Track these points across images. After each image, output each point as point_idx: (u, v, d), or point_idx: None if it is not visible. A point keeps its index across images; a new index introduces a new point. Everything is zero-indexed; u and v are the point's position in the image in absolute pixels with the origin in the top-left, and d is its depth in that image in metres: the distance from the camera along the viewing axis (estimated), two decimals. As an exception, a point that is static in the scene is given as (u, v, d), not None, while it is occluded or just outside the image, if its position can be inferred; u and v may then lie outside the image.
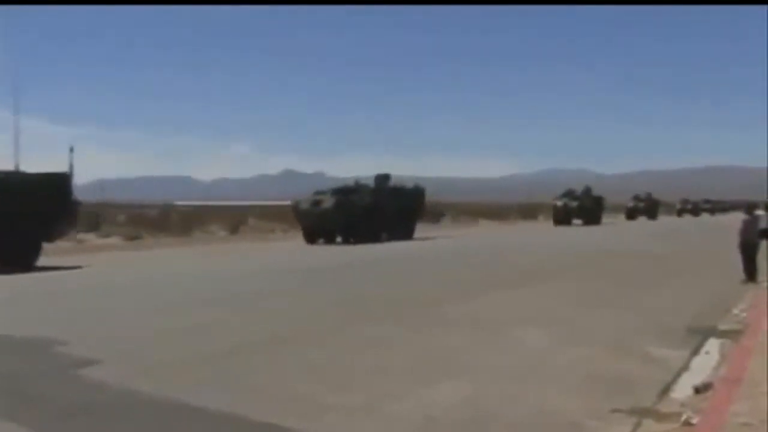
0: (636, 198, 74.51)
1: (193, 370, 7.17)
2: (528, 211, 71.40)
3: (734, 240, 16.24)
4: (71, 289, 14.27)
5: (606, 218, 62.83)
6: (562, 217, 52.56)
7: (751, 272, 15.52)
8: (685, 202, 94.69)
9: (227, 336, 9.01)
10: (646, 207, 71.31)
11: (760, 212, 16.49)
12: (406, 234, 32.56)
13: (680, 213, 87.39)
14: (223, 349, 8.12)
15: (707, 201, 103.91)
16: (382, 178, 34.14)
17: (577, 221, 52.52)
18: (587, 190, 57.03)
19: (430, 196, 40.26)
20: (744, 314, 10.83)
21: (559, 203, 54.64)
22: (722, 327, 9.73)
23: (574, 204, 53.77)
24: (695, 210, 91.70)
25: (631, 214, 69.05)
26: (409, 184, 38.47)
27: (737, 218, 17.70)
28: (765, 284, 14.45)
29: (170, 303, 12.02)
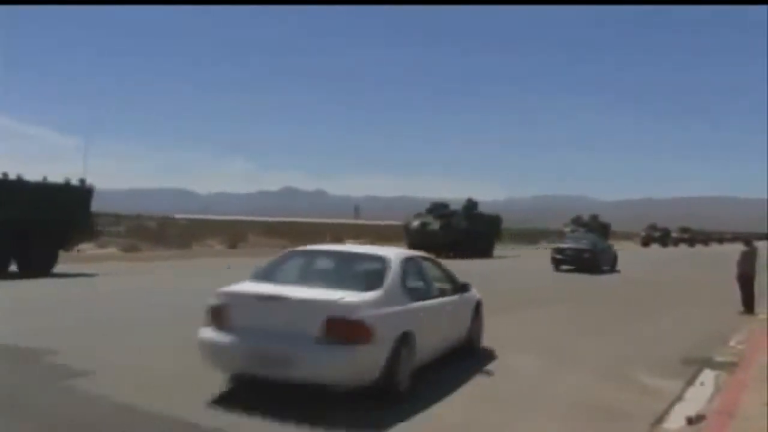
0: (576, 221, 58.16)
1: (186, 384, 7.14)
2: (529, 237, 69.91)
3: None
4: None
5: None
6: (419, 245, 30.23)
7: (748, 304, 15.50)
8: (652, 228, 78.62)
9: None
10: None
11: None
12: (31, 264, 19.36)
13: (646, 243, 72.77)
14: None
15: (685, 229, 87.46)
16: None
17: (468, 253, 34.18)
18: (470, 206, 40.58)
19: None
20: (740, 346, 10.80)
21: (415, 224, 37.63)
22: (718, 359, 9.69)
23: (436, 226, 36.47)
24: (664, 239, 76.20)
25: None
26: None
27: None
28: (762, 316, 14.41)
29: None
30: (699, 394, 7.61)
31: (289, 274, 7.60)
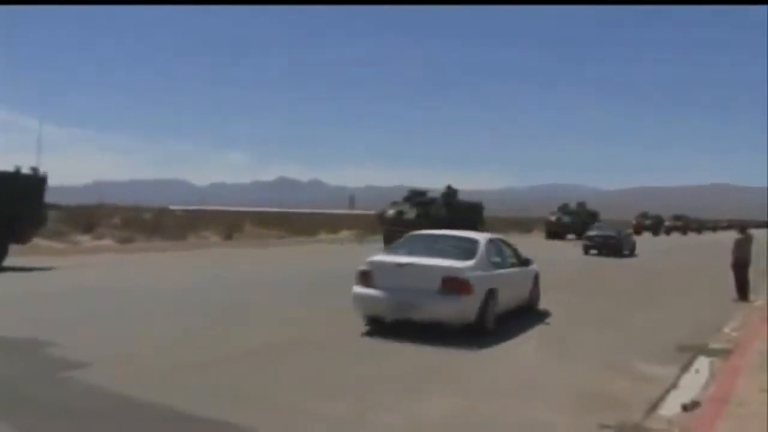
0: (562, 209, 55.95)
1: (183, 376, 7.16)
2: (522, 225, 69.93)
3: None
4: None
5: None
6: (391, 236, 29.92)
7: (743, 291, 15.54)
8: (644, 216, 77.61)
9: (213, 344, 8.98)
10: (575, 222, 50.85)
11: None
12: None
13: (636, 231, 67.69)
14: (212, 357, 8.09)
15: (678, 217, 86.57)
16: None
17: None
18: (450, 193, 38.25)
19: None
20: (735, 333, 10.84)
21: (390, 213, 35.69)
22: (713, 346, 9.73)
23: (412, 215, 34.52)
24: (656, 227, 75.47)
25: (554, 231, 51.82)
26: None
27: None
28: (757, 303, 14.48)
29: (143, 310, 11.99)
30: (694, 381, 7.65)
31: (410, 250, 10.56)
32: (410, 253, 10.33)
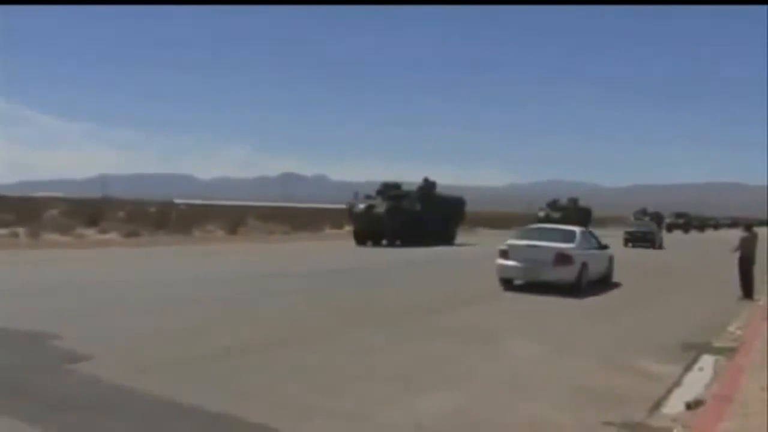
0: (551, 205, 55.42)
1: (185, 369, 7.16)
2: (523, 221, 69.05)
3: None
4: None
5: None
6: (364, 230, 32.49)
7: (748, 289, 15.47)
8: (642, 213, 73.59)
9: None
10: (565, 219, 45.87)
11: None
12: None
13: None
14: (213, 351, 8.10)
15: (680, 215, 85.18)
16: None
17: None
18: (426, 186, 35.77)
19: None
20: (739, 332, 10.80)
21: (360, 207, 32.94)
22: (717, 344, 9.70)
23: (382, 209, 32.18)
24: (658, 224, 70.21)
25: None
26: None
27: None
28: (762, 302, 14.42)
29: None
30: (698, 380, 7.63)
31: (531, 236, 16.04)
32: (532, 238, 15.62)
